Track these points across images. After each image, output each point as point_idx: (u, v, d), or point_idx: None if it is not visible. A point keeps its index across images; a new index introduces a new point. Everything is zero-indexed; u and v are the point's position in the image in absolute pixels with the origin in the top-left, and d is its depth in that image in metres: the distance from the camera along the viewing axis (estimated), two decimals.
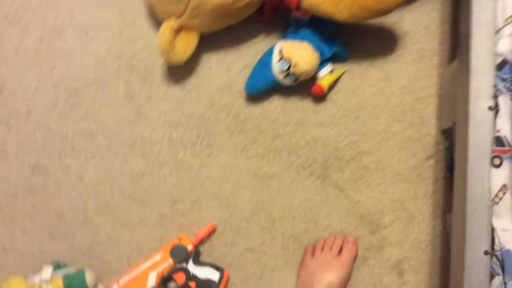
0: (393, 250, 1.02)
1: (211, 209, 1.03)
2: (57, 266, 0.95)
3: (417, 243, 1.02)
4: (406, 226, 1.03)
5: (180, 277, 0.98)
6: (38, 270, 0.98)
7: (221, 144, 1.05)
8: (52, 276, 0.93)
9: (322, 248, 1.00)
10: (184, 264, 0.97)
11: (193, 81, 1.07)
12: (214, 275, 0.97)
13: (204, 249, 1.02)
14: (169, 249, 0.97)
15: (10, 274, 0.98)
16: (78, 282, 0.91)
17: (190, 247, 0.97)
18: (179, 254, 0.96)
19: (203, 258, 1.01)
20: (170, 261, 0.96)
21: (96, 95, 1.06)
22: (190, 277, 0.97)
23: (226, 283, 0.99)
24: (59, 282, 0.92)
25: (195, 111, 1.06)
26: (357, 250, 1.01)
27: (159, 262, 0.96)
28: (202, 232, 0.99)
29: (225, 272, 0.98)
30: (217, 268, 0.98)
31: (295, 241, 1.02)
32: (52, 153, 1.03)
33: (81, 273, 0.92)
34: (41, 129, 1.05)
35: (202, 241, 1.00)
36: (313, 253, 1.00)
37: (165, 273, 0.96)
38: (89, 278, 0.92)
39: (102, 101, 1.06)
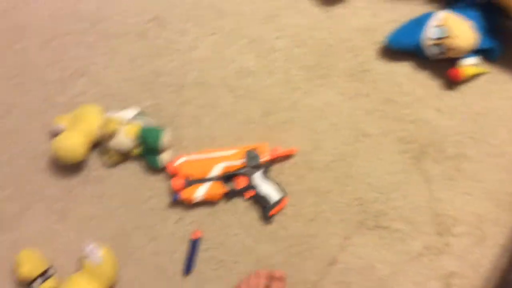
0: (451, 260, 0.97)
1: (297, 136, 0.99)
2: (140, 114, 0.93)
3: (476, 265, 0.97)
4: (474, 244, 0.97)
5: (241, 181, 0.95)
6: (117, 110, 0.96)
7: (335, 81, 1.01)
8: (132, 120, 0.90)
9: None
10: (251, 171, 0.94)
11: (337, 10, 1.03)
12: (273, 196, 0.94)
13: (273, 169, 0.98)
14: (245, 150, 0.94)
15: (89, 103, 0.97)
16: (153, 136, 0.90)
17: (265, 158, 0.94)
18: (253, 160, 0.94)
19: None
20: (240, 162, 0.94)
21: None
22: (251, 186, 0.94)
23: (280, 209, 0.96)
24: (136, 127, 0.90)
25: (326, 38, 1.02)
26: (284, 286, 0.91)
27: (230, 158, 0.94)
28: (281, 151, 0.95)
29: (285, 198, 0.94)
30: (280, 190, 0.94)
31: (360, 205, 0.98)
32: (175, 12, 1.01)
33: (160, 130, 0.90)
34: None
35: (276, 160, 0.97)
36: None
37: (231, 170, 0.94)
38: (165, 138, 0.90)
39: None
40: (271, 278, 0.90)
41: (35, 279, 0.90)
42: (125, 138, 0.89)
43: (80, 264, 0.88)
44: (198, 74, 1.00)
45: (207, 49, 1.00)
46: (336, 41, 1.01)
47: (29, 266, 0.89)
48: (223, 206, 0.97)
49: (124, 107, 0.98)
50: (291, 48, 1.01)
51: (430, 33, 0.92)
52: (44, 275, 0.91)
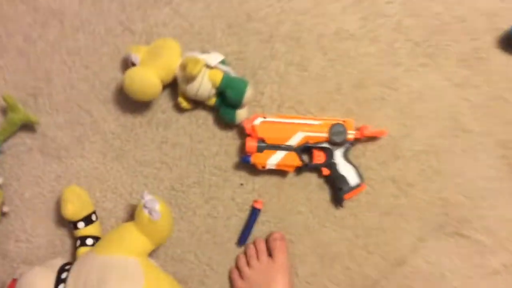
0: None
1: (387, 117, 0.88)
2: (224, 62, 0.82)
3: None
4: None
5: (319, 156, 0.85)
6: (196, 50, 0.85)
7: (443, 64, 0.88)
8: (216, 66, 0.79)
9: (248, 264, 0.85)
10: (333, 147, 0.83)
11: None
12: (352, 179, 0.84)
13: (354, 149, 0.87)
14: (330, 123, 0.83)
15: (168, 36, 0.86)
16: (239, 88, 0.79)
17: (351, 136, 0.83)
18: (338, 135, 0.83)
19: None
20: (324, 135, 0.83)
21: None
22: (329, 163, 0.84)
23: (355, 195, 0.85)
24: (219, 74, 0.80)
25: (442, 14, 0.89)
26: (286, 245, 0.85)
27: (313, 128, 0.83)
28: (369, 131, 0.84)
29: (363, 185, 0.84)
30: (359, 175, 0.84)
31: (443, 207, 0.88)
32: None
33: (244, 82, 0.80)
34: None
35: (361, 139, 0.86)
36: (241, 275, 0.85)
37: (311, 141, 0.83)
38: (249, 92, 0.80)
39: None
40: (271, 241, 0.84)
41: (78, 221, 0.82)
42: (207, 85, 0.78)
43: (135, 213, 0.79)
44: (292, 27, 0.87)
45: (308, 0, 0.87)
46: (453, 19, 0.88)
47: (74, 207, 0.82)
48: (292, 178, 0.88)
49: (204, 48, 0.86)
50: (401, 17, 0.88)
51: None
52: (87, 219, 0.83)
